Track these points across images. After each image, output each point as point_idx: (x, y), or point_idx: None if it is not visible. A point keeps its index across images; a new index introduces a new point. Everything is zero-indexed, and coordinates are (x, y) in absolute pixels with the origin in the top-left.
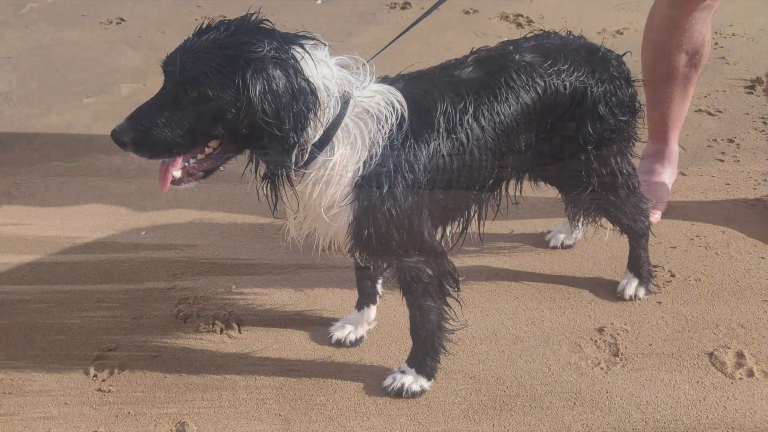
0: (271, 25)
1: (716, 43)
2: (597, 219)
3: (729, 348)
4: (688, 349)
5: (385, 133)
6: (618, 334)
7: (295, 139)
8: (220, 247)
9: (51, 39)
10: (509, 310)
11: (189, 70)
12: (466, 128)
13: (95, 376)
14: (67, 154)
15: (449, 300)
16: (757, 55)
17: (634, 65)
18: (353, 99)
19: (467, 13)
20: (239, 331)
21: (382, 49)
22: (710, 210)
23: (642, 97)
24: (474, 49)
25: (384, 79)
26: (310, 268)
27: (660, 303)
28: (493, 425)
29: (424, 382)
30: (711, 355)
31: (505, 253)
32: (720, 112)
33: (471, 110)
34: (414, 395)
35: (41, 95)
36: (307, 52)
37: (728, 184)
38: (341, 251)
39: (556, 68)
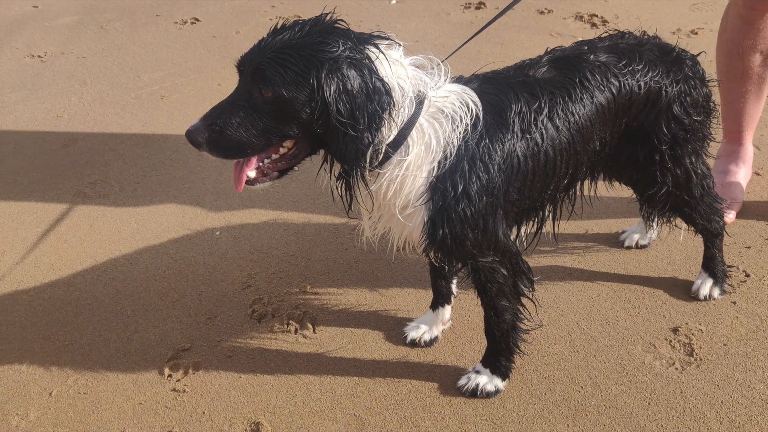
0: (345, 25)
1: None
2: (671, 219)
3: None
4: (762, 349)
5: (460, 133)
6: (693, 334)
7: (370, 139)
8: (294, 247)
9: (125, 39)
10: (584, 311)
11: (264, 70)
12: (540, 128)
13: (170, 376)
14: (142, 154)
15: (524, 300)
16: None
17: (709, 65)
18: (428, 99)
19: (542, 13)
20: (314, 331)
21: (457, 49)
22: None
23: (716, 97)
24: (548, 49)
25: (458, 79)
26: (384, 268)
27: (734, 303)
28: (568, 425)
29: (498, 382)
30: None
31: (579, 253)
32: None
33: (546, 110)
34: (489, 395)
35: (116, 95)
36: (382, 52)
37: None
38: (416, 251)
39: (630, 68)
